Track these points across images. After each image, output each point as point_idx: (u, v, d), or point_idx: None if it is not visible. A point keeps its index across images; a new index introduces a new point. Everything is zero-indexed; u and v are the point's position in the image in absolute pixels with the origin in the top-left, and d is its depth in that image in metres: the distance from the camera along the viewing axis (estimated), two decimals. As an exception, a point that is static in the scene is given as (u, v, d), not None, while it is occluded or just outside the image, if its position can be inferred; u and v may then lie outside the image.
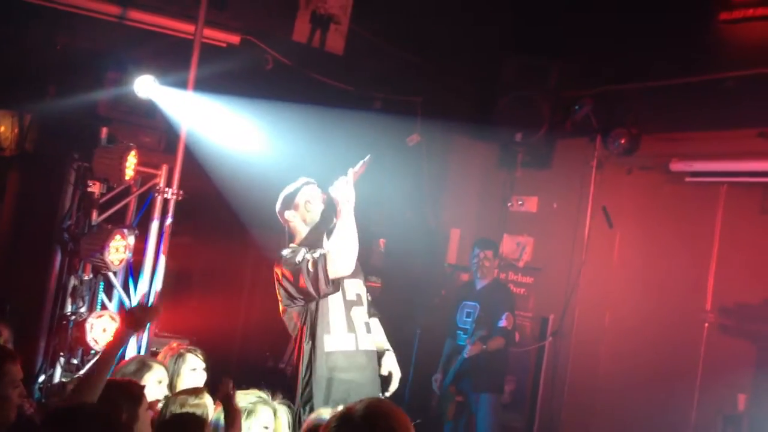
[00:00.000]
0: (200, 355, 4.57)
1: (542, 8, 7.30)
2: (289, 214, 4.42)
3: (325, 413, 3.26)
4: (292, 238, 4.43)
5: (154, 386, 4.18)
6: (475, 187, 8.30)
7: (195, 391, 3.97)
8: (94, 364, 3.66)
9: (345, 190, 4.17)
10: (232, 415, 3.45)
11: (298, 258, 4.15)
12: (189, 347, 4.64)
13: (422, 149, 7.66)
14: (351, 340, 4.22)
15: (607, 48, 6.98)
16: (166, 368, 4.35)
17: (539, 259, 7.70)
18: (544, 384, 7.45)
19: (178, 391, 4.05)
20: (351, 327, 4.25)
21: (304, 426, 3.33)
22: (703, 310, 6.74)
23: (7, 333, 4.82)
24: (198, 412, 3.78)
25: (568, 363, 7.36)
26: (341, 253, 4.07)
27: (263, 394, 3.67)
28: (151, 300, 6.05)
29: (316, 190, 4.44)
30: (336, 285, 4.11)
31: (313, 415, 3.33)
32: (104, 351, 3.67)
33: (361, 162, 4.25)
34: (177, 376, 4.40)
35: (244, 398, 3.58)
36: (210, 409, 3.91)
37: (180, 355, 4.49)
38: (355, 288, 4.38)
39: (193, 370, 4.46)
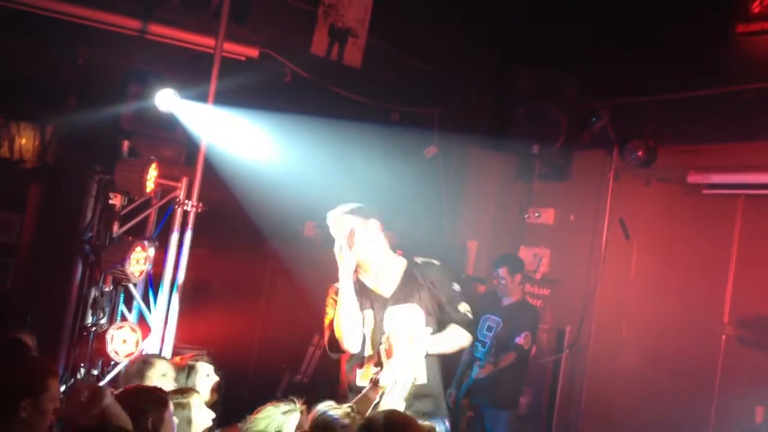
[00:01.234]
0: (207, 359, 4.65)
1: (559, 20, 7.32)
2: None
3: (330, 410, 3.28)
4: None
5: (159, 380, 4.25)
6: (492, 198, 8.32)
7: (182, 391, 4.05)
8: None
9: (340, 256, 4.29)
10: None
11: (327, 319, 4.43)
12: (195, 356, 4.69)
13: (439, 161, 7.69)
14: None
15: (623, 60, 6.98)
16: (169, 363, 4.45)
17: (556, 271, 7.71)
18: (560, 396, 7.44)
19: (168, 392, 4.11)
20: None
21: (309, 417, 3.34)
22: (720, 322, 6.73)
23: (31, 341, 4.86)
24: (180, 410, 3.84)
25: (584, 375, 7.36)
26: (332, 335, 4.33)
27: (290, 405, 3.67)
28: None
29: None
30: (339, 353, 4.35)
31: (321, 407, 3.35)
32: None
33: (350, 230, 4.34)
34: (194, 387, 4.45)
35: (276, 410, 3.60)
36: (195, 408, 3.96)
37: (191, 368, 4.53)
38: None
39: (208, 376, 4.52)
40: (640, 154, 6.92)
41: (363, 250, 4.38)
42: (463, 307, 4.40)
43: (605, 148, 7.31)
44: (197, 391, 4.17)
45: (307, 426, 3.43)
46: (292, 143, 6.62)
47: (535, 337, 6.73)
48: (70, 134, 6.27)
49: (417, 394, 4.12)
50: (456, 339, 4.37)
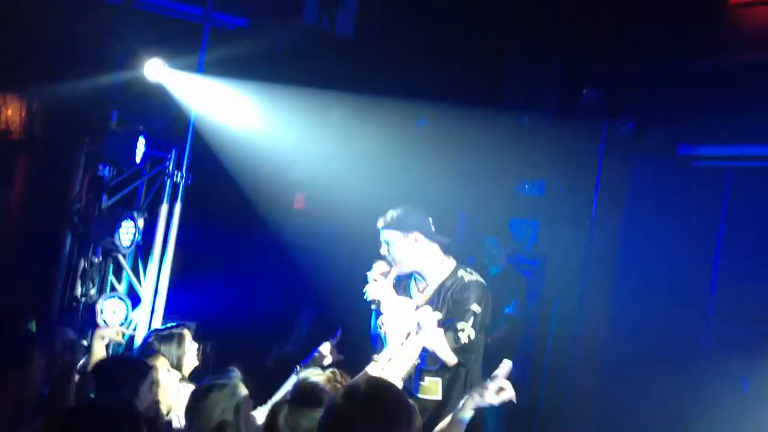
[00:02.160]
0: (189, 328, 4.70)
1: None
2: None
3: (313, 376, 3.28)
4: None
5: None
6: (482, 170, 8.29)
7: (147, 355, 4.12)
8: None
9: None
10: None
11: None
12: (177, 326, 4.73)
13: (430, 133, 7.66)
14: None
15: (615, 31, 6.94)
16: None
17: (546, 243, 7.71)
18: (550, 367, 7.49)
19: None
20: None
21: (294, 383, 3.33)
22: (708, 294, 6.76)
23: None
24: None
25: (573, 346, 7.39)
26: None
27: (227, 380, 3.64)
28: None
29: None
30: None
31: (304, 373, 3.35)
32: None
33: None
34: (185, 355, 4.47)
35: (220, 394, 3.58)
36: (162, 371, 4.00)
37: (181, 336, 4.55)
38: None
39: (191, 342, 4.56)
40: (630, 126, 6.92)
41: (402, 263, 4.31)
42: (461, 326, 4.16)
43: (596, 120, 7.30)
44: (163, 355, 4.20)
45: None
46: (281, 114, 6.58)
47: (525, 305, 6.75)
48: (57, 105, 6.21)
49: (423, 408, 4.12)
50: (439, 342, 4.14)
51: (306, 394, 3.02)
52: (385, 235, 4.31)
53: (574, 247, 7.40)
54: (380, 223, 4.34)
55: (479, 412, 3.64)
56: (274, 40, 6.40)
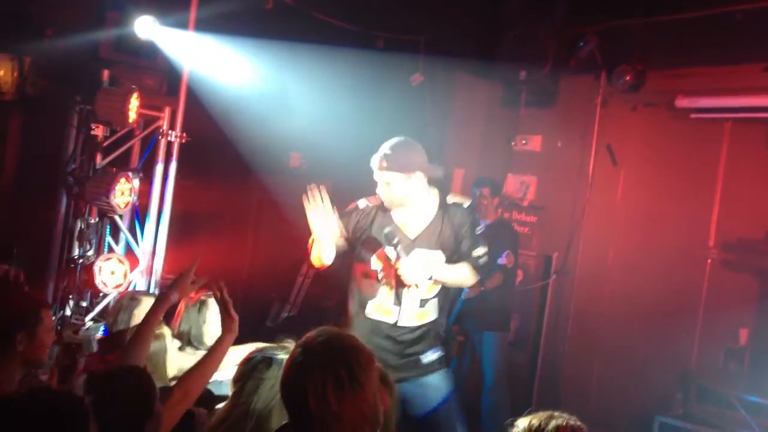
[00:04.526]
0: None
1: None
2: None
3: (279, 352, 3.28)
4: None
5: None
6: (478, 126, 8.25)
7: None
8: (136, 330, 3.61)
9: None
10: (229, 319, 3.48)
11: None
12: (207, 293, 4.65)
13: (425, 88, 7.59)
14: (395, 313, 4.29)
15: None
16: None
17: (543, 198, 7.70)
18: (547, 321, 7.52)
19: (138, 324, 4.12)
20: (398, 301, 4.27)
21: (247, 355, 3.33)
22: (706, 246, 6.76)
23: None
24: (155, 341, 3.82)
25: (571, 300, 7.42)
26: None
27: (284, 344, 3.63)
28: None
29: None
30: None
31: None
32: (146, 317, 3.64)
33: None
34: (204, 324, 4.42)
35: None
36: (168, 340, 3.97)
37: (203, 303, 4.49)
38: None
39: (218, 315, 4.48)
40: (628, 78, 6.85)
41: (402, 202, 4.25)
42: (478, 252, 4.36)
43: (593, 74, 7.24)
44: (163, 322, 4.16)
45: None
46: (276, 71, 6.52)
47: (517, 255, 6.74)
48: (48, 64, 6.13)
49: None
50: (462, 275, 4.35)
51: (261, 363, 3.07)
52: (386, 177, 4.18)
53: (571, 201, 7.39)
54: (380, 165, 4.18)
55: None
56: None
